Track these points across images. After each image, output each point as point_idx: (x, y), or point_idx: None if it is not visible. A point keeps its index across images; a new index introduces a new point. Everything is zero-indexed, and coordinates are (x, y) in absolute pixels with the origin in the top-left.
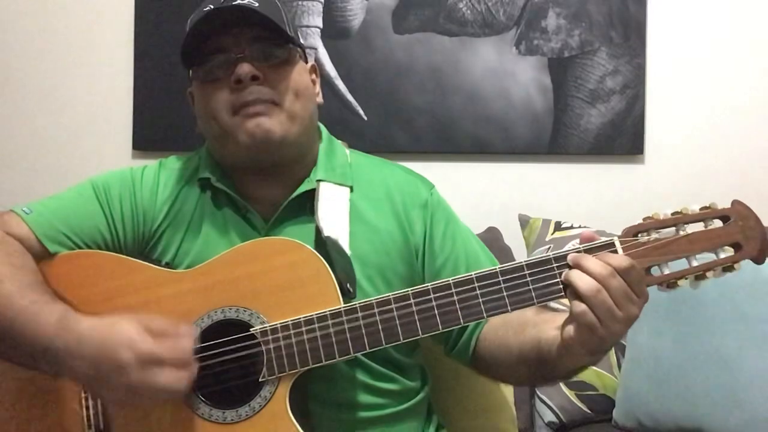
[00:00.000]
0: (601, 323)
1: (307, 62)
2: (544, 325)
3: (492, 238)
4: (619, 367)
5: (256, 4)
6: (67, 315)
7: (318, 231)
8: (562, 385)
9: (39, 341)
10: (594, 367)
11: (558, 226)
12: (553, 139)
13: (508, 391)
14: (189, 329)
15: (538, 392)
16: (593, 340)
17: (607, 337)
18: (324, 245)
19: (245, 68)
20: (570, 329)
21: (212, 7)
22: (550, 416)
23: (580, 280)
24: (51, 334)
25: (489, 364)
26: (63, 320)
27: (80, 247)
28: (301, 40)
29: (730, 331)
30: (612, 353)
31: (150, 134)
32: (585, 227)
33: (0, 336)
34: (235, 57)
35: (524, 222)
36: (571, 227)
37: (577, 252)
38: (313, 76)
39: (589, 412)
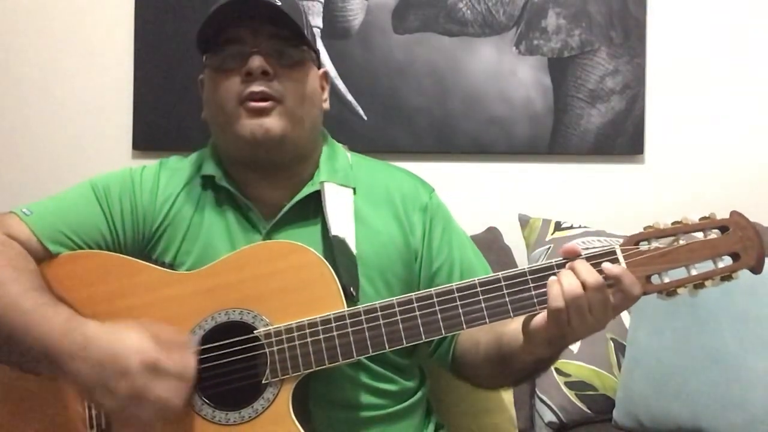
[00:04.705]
0: (569, 323)
1: (319, 68)
2: (508, 322)
3: (492, 238)
4: (619, 367)
5: (279, 3)
6: (73, 317)
7: (325, 231)
8: (562, 385)
9: (44, 343)
10: (594, 367)
11: (558, 226)
12: (553, 139)
13: (507, 390)
14: (191, 340)
15: (538, 392)
16: (554, 331)
17: (568, 335)
18: (331, 246)
19: (257, 62)
20: (539, 317)
21: None
22: (550, 416)
23: (566, 280)
24: (57, 336)
25: (462, 365)
26: (69, 322)
27: (81, 248)
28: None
29: (730, 331)
30: (612, 353)
31: (150, 134)
32: (585, 227)
33: (5, 338)
34: (250, 50)
35: (524, 222)
36: (571, 227)
37: (581, 259)
38: (323, 82)
39: (589, 412)
